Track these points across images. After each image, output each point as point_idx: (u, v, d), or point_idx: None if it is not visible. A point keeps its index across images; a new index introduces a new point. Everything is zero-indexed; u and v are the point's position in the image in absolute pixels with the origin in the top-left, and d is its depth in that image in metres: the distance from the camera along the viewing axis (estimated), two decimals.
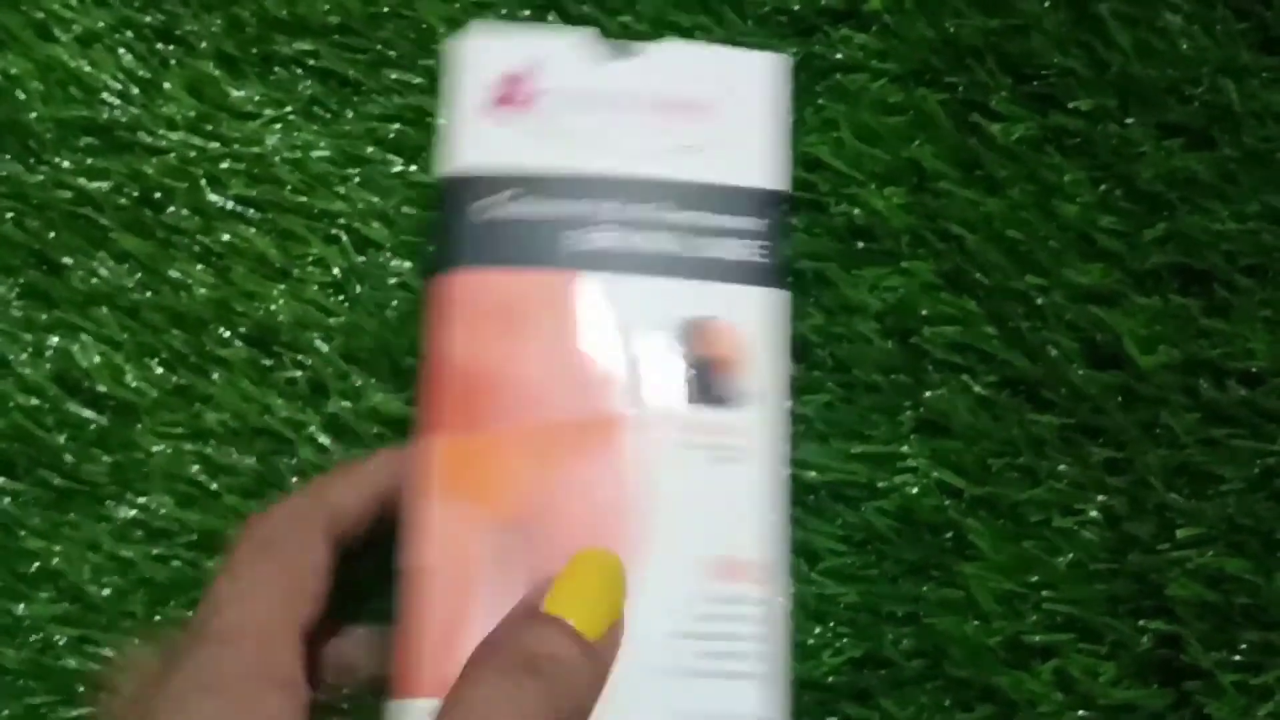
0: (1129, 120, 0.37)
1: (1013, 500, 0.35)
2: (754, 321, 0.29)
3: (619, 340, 0.29)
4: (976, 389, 0.36)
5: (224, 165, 0.39)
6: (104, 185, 0.39)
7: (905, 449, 0.36)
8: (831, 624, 0.35)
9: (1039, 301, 0.36)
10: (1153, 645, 0.34)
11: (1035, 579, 0.34)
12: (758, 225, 0.30)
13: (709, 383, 0.29)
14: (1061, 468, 0.35)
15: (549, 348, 0.29)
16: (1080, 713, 0.34)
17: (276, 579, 0.27)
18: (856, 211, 0.37)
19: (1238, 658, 0.33)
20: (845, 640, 0.35)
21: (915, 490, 0.35)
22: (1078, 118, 0.37)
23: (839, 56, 0.38)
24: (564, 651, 0.25)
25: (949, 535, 0.35)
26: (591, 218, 0.29)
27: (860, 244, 0.37)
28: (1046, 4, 0.37)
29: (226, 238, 0.38)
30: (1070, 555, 0.35)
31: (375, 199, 0.38)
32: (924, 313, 0.36)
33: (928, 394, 0.36)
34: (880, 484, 0.36)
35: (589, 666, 0.26)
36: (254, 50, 0.40)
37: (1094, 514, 0.35)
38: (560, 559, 0.27)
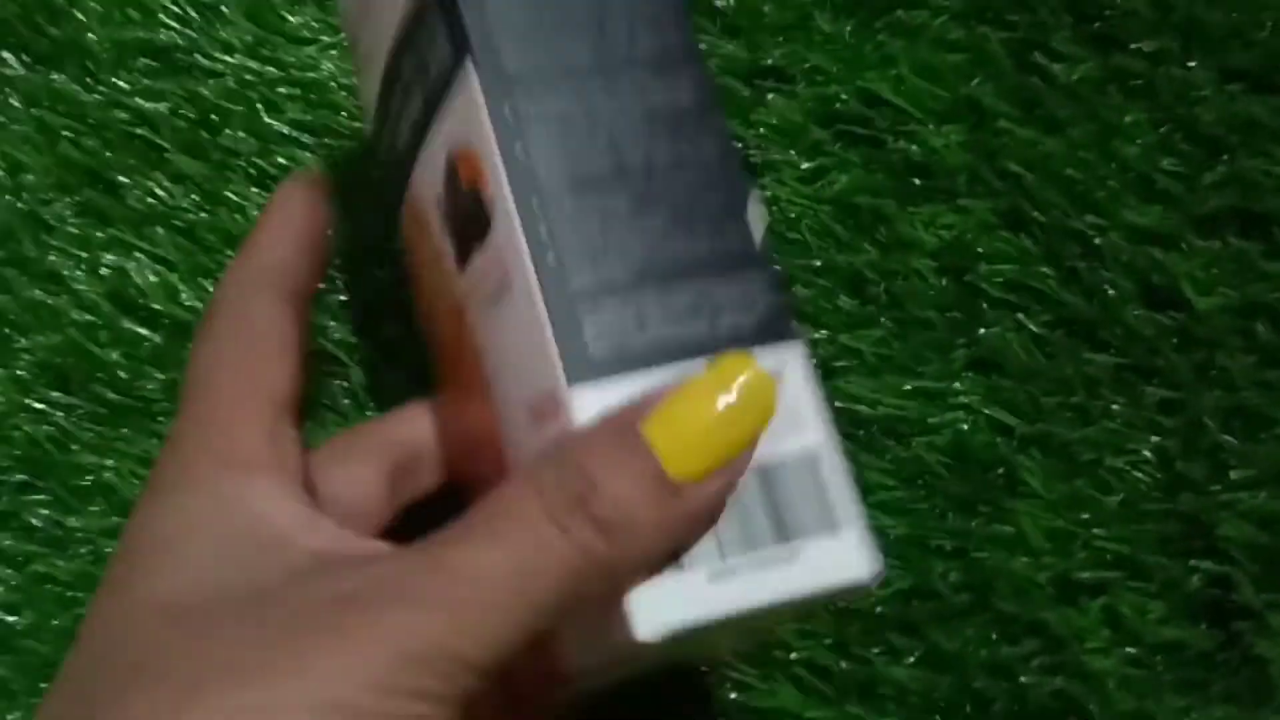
0: (1191, 63, 0.36)
1: (1065, 439, 0.35)
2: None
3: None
4: (1031, 327, 0.36)
5: (280, 90, 0.39)
6: (161, 106, 0.39)
7: (958, 386, 0.36)
8: (880, 556, 0.35)
9: (1096, 241, 0.36)
10: (1203, 585, 0.34)
11: (1086, 517, 0.34)
12: None
13: (464, 221, 0.28)
14: (1115, 407, 0.35)
15: None
16: (1128, 650, 0.34)
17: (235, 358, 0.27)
18: (914, 148, 0.37)
19: None
20: (894, 572, 0.35)
21: (967, 427, 0.35)
22: (1139, 59, 0.36)
23: None
24: (633, 496, 0.22)
25: (1000, 472, 0.35)
26: None
27: (917, 181, 0.37)
28: None
29: (282, 161, 0.38)
30: (1122, 494, 0.35)
31: None
32: (980, 251, 0.36)
33: (982, 331, 0.36)
34: (932, 420, 0.36)
35: (661, 520, 0.22)
36: None
37: (1147, 454, 0.35)
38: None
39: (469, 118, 0.27)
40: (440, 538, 0.23)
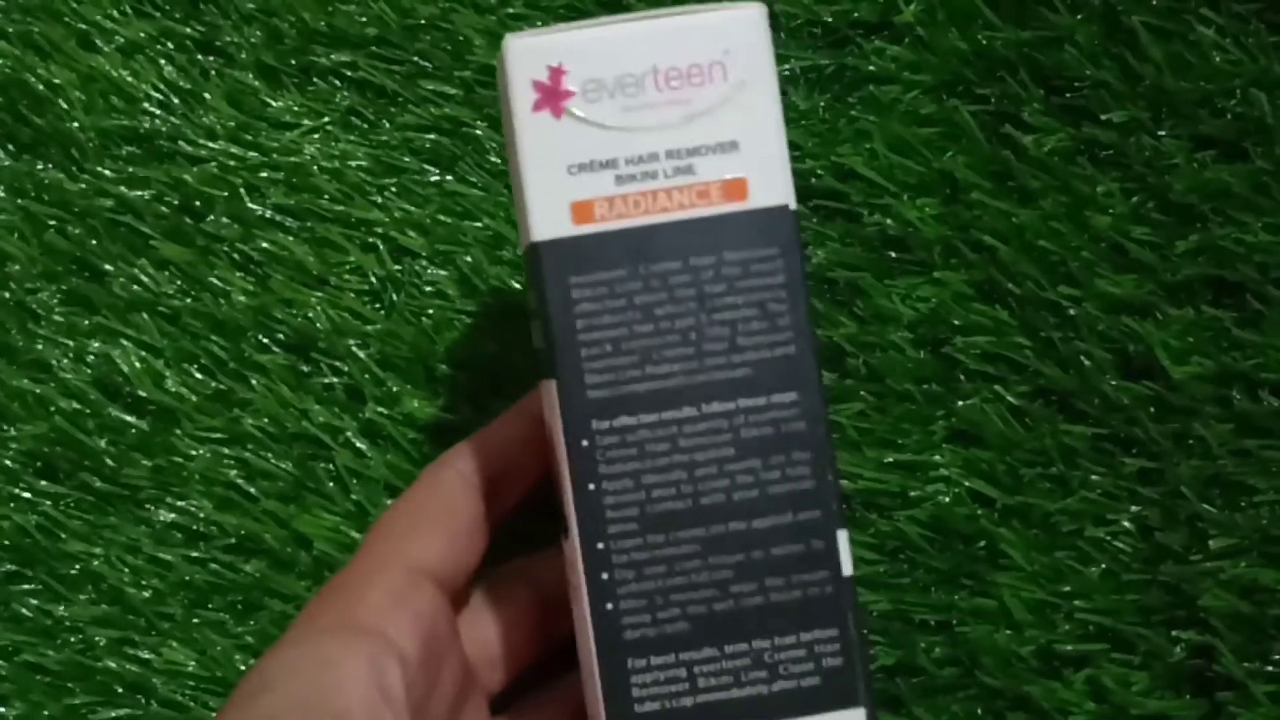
0: (1161, 132, 0.37)
1: (1045, 510, 0.35)
2: None
3: None
4: (1009, 399, 0.36)
5: (263, 174, 0.39)
6: (145, 194, 0.40)
7: (937, 458, 0.36)
8: (872, 654, 0.35)
9: (1071, 312, 0.36)
10: (1186, 655, 0.34)
11: (1068, 588, 0.35)
12: None
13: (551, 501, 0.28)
14: (1094, 478, 0.35)
15: None
16: None
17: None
18: (889, 222, 0.37)
19: (1271, 668, 0.33)
20: (878, 648, 0.35)
21: (947, 499, 0.36)
22: (1110, 129, 0.37)
23: (872, 68, 0.38)
24: None
25: (981, 544, 0.35)
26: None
27: (893, 254, 0.37)
28: (1079, 16, 0.37)
29: (265, 245, 0.39)
30: (1103, 565, 0.35)
31: (412, 208, 0.39)
32: (956, 322, 0.36)
33: (960, 403, 0.36)
34: (913, 493, 0.36)
35: None
36: (293, 61, 0.40)
37: (1127, 524, 0.35)
38: None
39: (552, 427, 0.26)
40: None
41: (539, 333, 0.27)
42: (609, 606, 0.25)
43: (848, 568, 0.26)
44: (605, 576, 0.25)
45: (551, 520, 0.29)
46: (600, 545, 0.25)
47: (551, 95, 0.26)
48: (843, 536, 0.26)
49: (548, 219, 0.26)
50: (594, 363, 0.26)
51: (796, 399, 0.26)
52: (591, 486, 0.25)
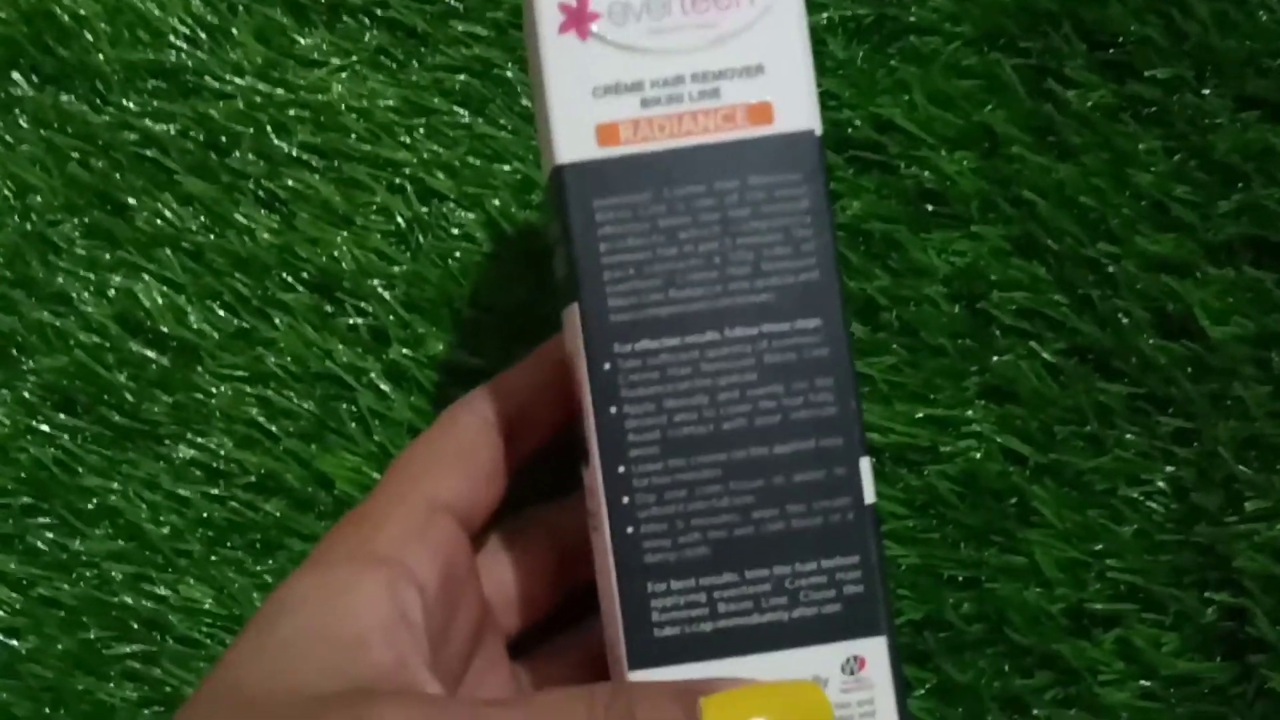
0: (1205, 91, 0.36)
1: (1078, 468, 0.35)
2: None
3: None
4: (1044, 355, 0.35)
5: (290, 112, 0.39)
6: (170, 128, 0.39)
7: (970, 414, 0.35)
8: (892, 586, 0.34)
9: (1110, 270, 0.35)
10: (1218, 617, 0.33)
11: (1099, 548, 0.34)
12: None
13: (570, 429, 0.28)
14: (1129, 437, 0.35)
15: None
16: (1142, 683, 0.33)
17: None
18: (927, 174, 0.37)
19: None
20: (905, 602, 0.34)
21: (979, 455, 0.35)
22: (1154, 86, 0.36)
23: (912, 19, 0.37)
24: None
25: (1013, 501, 0.35)
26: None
27: (930, 207, 0.37)
28: None
29: (291, 184, 0.38)
30: (1136, 525, 0.34)
31: (440, 149, 0.38)
32: (993, 278, 0.36)
33: (994, 359, 0.36)
34: (944, 448, 0.35)
35: None
36: None
37: (1161, 484, 0.34)
38: None
39: (574, 352, 0.26)
40: (493, 699, 0.24)
41: (561, 258, 0.27)
42: (629, 531, 0.25)
43: (870, 495, 0.26)
44: (626, 501, 0.25)
45: (571, 471, 0.29)
46: (621, 469, 0.25)
47: (578, 16, 0.26)
48: (865, 464, 0.26)
49: (573, 141, 0.26)
50: (617, 286, 0.25)
51: (820, 325, 0.26)
52: (613, 410, 0.25)
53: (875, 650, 0.25)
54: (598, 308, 0.25)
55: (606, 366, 0.25)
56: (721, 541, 0.25)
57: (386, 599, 0.25)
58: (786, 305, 0.26)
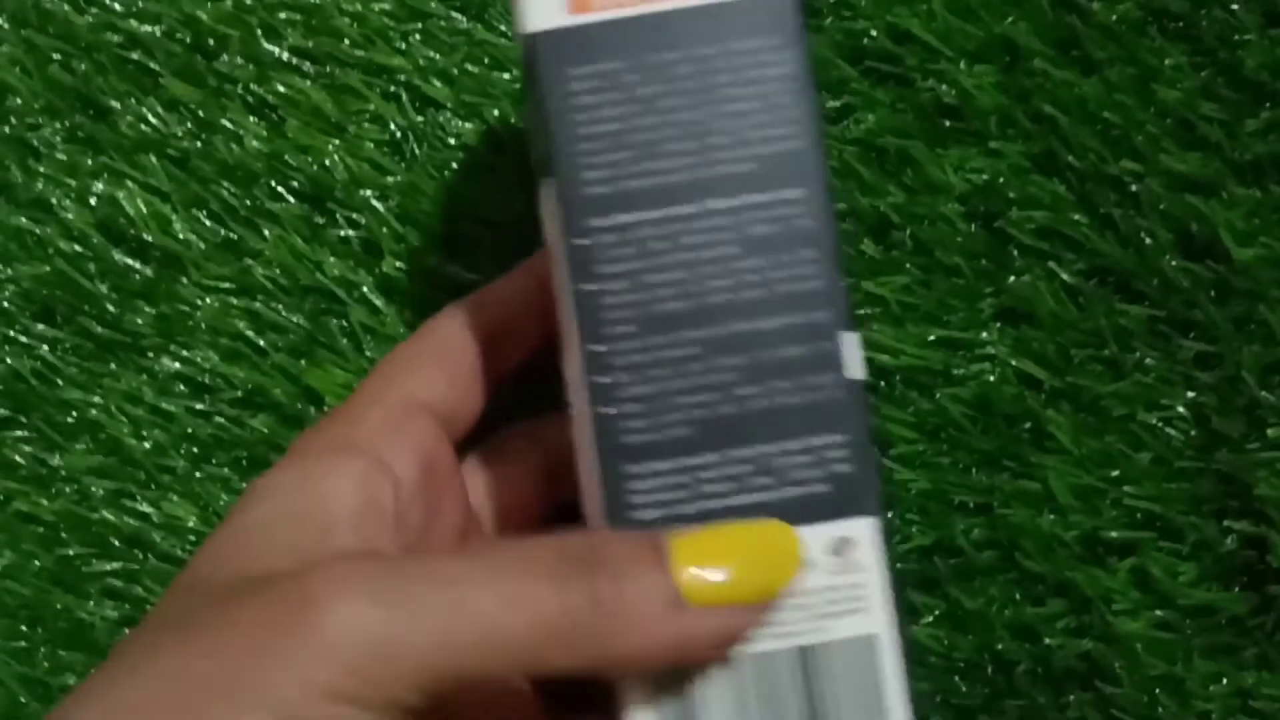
0: (1235, 5, 0.35)
1: (1096, 393, 0.33)
2: None
3: None
4: (1063, 276, 0.34)
5: (280, 14, 0.37)
6: (155, 29, 0.37)
7: (984, 336, 0.34)
8: (902, 511, 0.33)
9: (1133, 188, 0.34)
10: (1237, 546, 0.32)
11: (1116, 474, 0.33)
12: None
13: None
14: (1149, 361, 0.34)
15: None
16: (1158, 612, 0.32)
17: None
18: (944, 88, 0.35)
19: None
20: (915, 528, 0.33)
21: (993, 379, 0.34)
22: (1181, 0, 0.35)
23: None
24: (640, 585, 0.22)
25: (1027, 426, 0.34)
26: None
27: (947, 122, 0.35)
28: None
29: (281, 89, 0.37)
30: (1154, 452, 0.33)
31: (437, 56, 0.37)
32: (1011, 195, 0.34)
33: (1011, 280, 0.34)
34: (957, 371, 0.34)
35: (656, 625, 0.22)
36: None
37: (1181, 410, 0.33)
38: None
39: (551, 228, 0.25)
40: (455, 551, 0.24)
41: (538, 133, 0.26)
42: (609, 411, 0.24)
43: (857, 371, 0.24)
44: (605, 380, 0.24)
45: (558, 393, 0.27)
46: (599, 348, 0.24)
47: None
48: (851, 339, 0.25)
49: (544, 8, 0.25)
50: (593, 158, 0.24)
51: (804, 195, 0.25)
52: (590, 287, 0.24)
53: (865, 532, 0.24)
54: (573, 181, 0.24)
55: (583, 242, 0.24)
56: (704, 421, 0.24)
57: (358, 487, 0.25)
58: (769, 175, 0.25)
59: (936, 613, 0.33)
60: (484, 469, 0.31)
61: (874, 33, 0.36)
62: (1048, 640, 0.32)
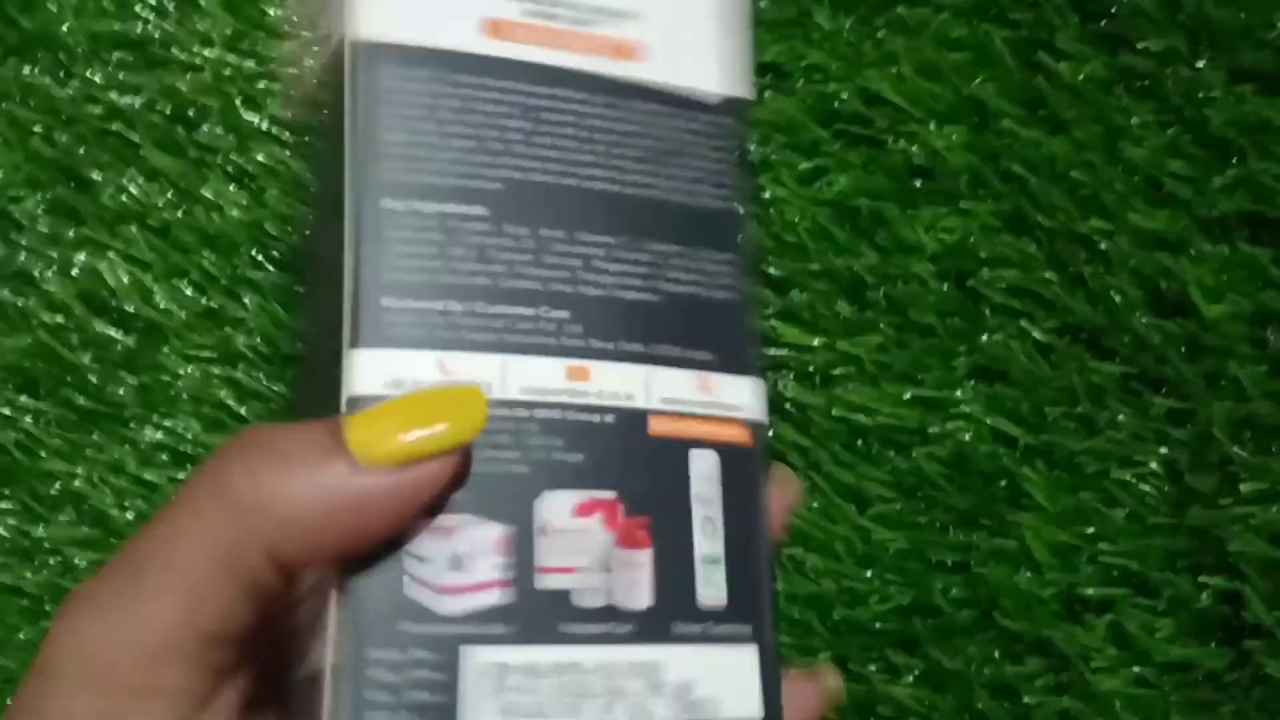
0: (1200, 63, 0.35)
1: (1070, 450, 0.34)
2: None
3: None
4: (1035, 334, 0.34)
5: (260, 85, 0.38)
6: (136, 101, 0.38)
7: (959, 394, 0.35)
8: (880, 570, 0.34)
9: (1103, 246, 0.35)
10: (1212, 602, 0.33)
11: (1091, 531, 0.33)
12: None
13: None
14: (1121, 418, 0.34)
15: None
16: (1135, 669, 0.32)
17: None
18: (915, 149, 0.36)
19: None
20: (893, 587, 0.33)
21: (968, 437, 0.34)
22: (1147, 59, 0.35)
23: None
24: (303, 453, 0.22)
25: (1003, 484, 0.34)
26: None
27: (918, 182, 0.36)
28: None
29: (260, 158, 0.37)
30: (1128, 508, 0.33)
31: None
32: (982, 255, 0.35)
33: (984, 338, 0.35)
34: (932, 429, 0.34)
35: (333, 489, 0.22)
36: None
37: (1154, 466, 0.34)
38: None
39: None
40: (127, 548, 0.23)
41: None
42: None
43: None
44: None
45: None
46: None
47: None
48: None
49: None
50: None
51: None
52: None
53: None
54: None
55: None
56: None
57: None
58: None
59: (916, 673, 0.33)
60: None
61: (845, 95, 0.36)
62: (1027, 699, 0.33)
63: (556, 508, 0.24)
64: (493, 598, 0.23)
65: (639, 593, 0.24)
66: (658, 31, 0.27)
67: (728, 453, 0.26)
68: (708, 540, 0.25)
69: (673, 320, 0.26)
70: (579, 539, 0.24)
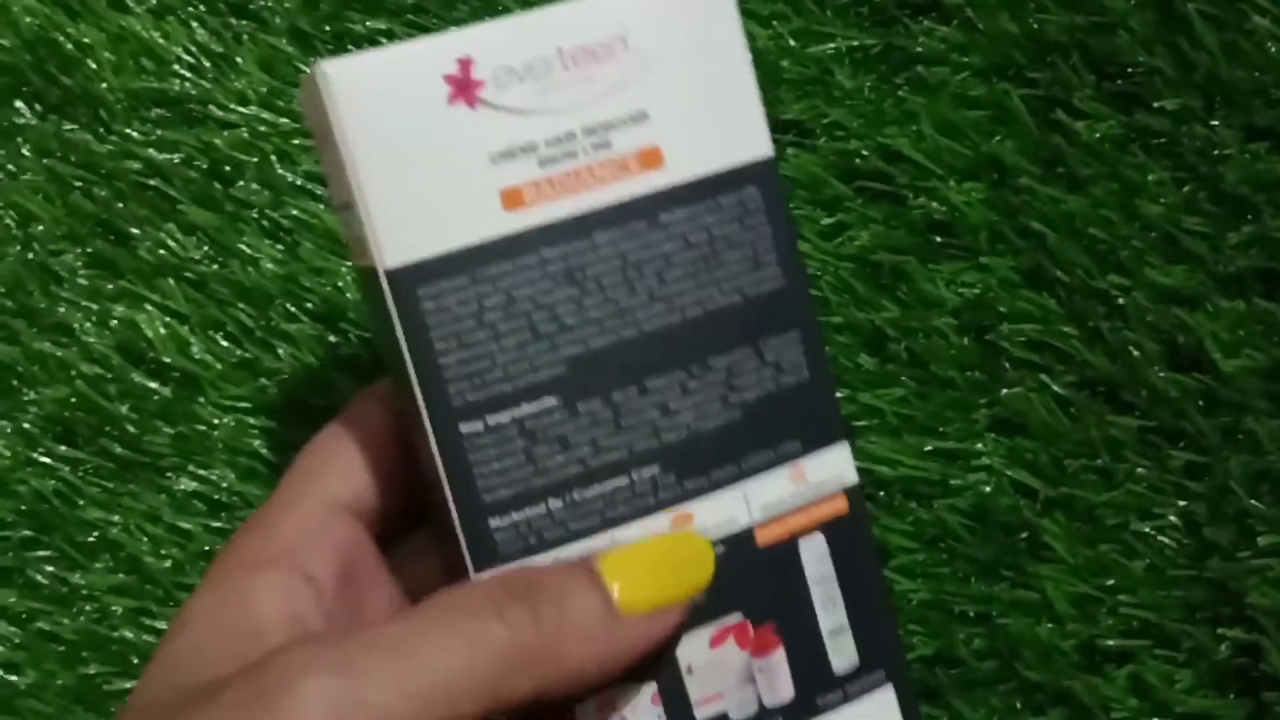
0: (1214, 122, 0.36)
1: (1090, 502, 0.34)
2: None
3: None
4: (1054, 388, 0.35)
5: (295, 141, 0.39)
6: (174, 157, 0.39)
7: (980, 446, 0.35)
8: (903, 621, 0.34)
9: (1120, 301, 0.35)
10: (1231, 654, 0.33)
11: (1111, 583, 0.34)
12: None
13: None
14: (1140, 471, 0.34)
15: None
16: None
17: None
18: (935, 205, 0.36)
19: None
20: (916, 638, 0.34)
21: (989, 489, 0.35)
22: (1163, 117, 0.36)
23: (920, 49, 0.37)
24: (579, 602, 0.24)
25: (1023, 535, 0.34)
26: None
27: (938, 238, 0.36)
28: (1132, 2, 0.36)
29: (295, 213, 0.38)
30: (1148, 560, 0.34)
31: None
32: (1002, 309, 0.36)
33: (1004, 392, 0.35)
34: (953, 481, 0.35)
35: (598, 635, 0.24)
36: (327, 28, 0.39)
37: (1173, 519, 0.34)
38: None
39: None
40: (389, 617, 0.24)
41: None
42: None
43: None
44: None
45: None
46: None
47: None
48: None
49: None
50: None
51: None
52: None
53: None
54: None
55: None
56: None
57: (280, 598, 0.25)
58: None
59: None
60: (416, 553, 0.30)
61: (865, 152, 0.37)
62: None
63: (694, 648, 0.26)
64: None
65: (781, 688, 0.27)
66: (672, 123, 0.27)
67: (832, 528, 0.27)
68: (831, 615, 0.27)
69: (757, 427, 0.27)
70: (720, 666, 0.26)
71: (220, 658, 0.24)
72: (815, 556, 0.27)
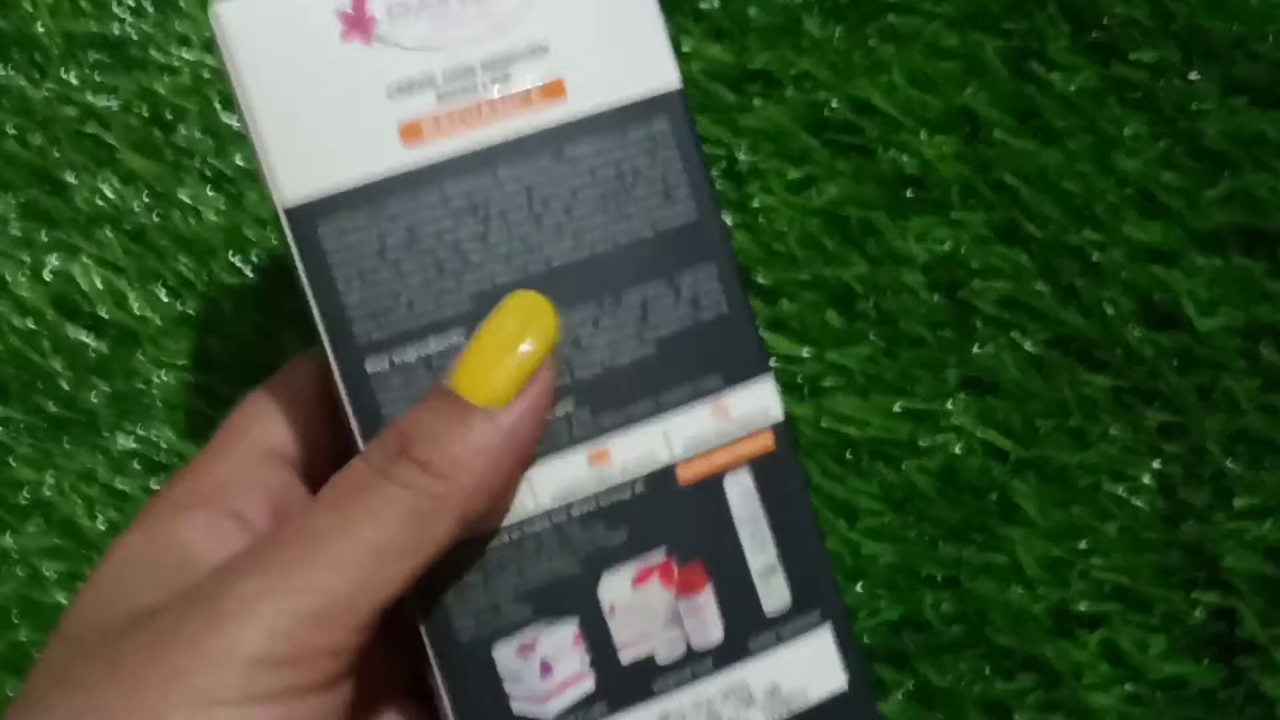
0: (1193, 75, 0.35)
1: (1062, 463, 0.33)
2: None
3: None
4: (1026, 347, 0.34)
5: None
6: (112, 103, 0.37)
7: (949, 407, 0.34)
8: (869, 584, 0.33)
9: (1095, 258, 0.34)
10: (1206, 618, 0.32)
11: (1083, 546, 0.33)
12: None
13: None
14: (1114, 431, 0.33)
15: None
16: (1128, 686, 0.32)
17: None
18: (906, 159, 0.35)
19: None
20: (883, 602, 0.33)
21: (959, 450, 0.34)
22: (1140, 70, 0.35)
23: None
24: (452, 430, 0.23)
25: (993, 497, 0.33)
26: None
27: (909, 192, 0.35)
28: None
29: (239, 162, 0.36)
30: (1120, 522, 0.33)
31: None
32: (973, 265, 0.34)
33: (975, 350, 0.34)
34: (922, 442, 0.34)
35: (477, 445, 0.23)
36: None
37: (1147, 480, 0.33)
38: None
39: None
40: (292, 521, 0.24)
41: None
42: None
43: None
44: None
45: None
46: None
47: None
48: None
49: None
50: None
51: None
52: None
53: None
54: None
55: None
56: None
57: (209, 535, 0.25)
58: None
59: (906, 689, 0.33)
60: None
61: (834, 104, 0.36)
62: (1018, 716, 0.32)
63: (616, 588, 0.26)
64: (586, 686, 0.25)
65: (711, 629, 0.26)
66: (574, 55, 0.26)
67: (758, 465, 0.26)
68: (760, 554, 0.26)
69: (674, 361, 0.26)
70: (644, 607, 0.26)
71: (151, 585, 0.24)
72: (742, 494, 0.26)
